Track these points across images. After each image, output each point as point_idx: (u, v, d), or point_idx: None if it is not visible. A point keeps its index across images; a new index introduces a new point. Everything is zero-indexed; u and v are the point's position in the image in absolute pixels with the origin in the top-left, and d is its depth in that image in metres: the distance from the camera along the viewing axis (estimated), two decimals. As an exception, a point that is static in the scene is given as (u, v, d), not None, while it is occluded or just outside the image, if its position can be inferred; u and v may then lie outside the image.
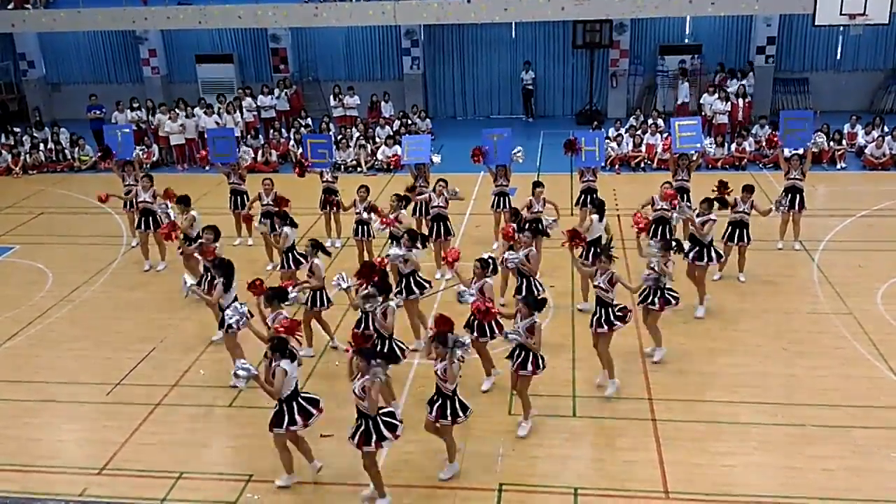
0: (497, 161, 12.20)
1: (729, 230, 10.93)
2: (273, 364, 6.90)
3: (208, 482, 7.47)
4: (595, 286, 8.46)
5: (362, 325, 8.23)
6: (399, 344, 8.25)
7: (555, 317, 10.24)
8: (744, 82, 18.58)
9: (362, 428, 6.65)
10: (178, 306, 10.98)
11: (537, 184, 11.36)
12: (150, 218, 12.08)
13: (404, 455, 7.58)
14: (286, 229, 10.20)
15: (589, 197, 12.20)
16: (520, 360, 7.69)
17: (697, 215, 10.19)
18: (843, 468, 7.29)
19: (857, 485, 7.06)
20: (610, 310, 8.29)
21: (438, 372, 6.98)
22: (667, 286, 8.83)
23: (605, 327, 8.28)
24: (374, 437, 6.64)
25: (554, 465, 7.53)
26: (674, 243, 9.24)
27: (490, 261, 8.47)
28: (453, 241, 11.78)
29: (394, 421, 6.79)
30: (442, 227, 11.29)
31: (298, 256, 10.26)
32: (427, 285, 9.47)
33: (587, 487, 7.18)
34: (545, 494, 7.13)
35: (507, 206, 11.85)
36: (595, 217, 10.29)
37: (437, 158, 12.43)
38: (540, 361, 7.68)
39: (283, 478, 7.30)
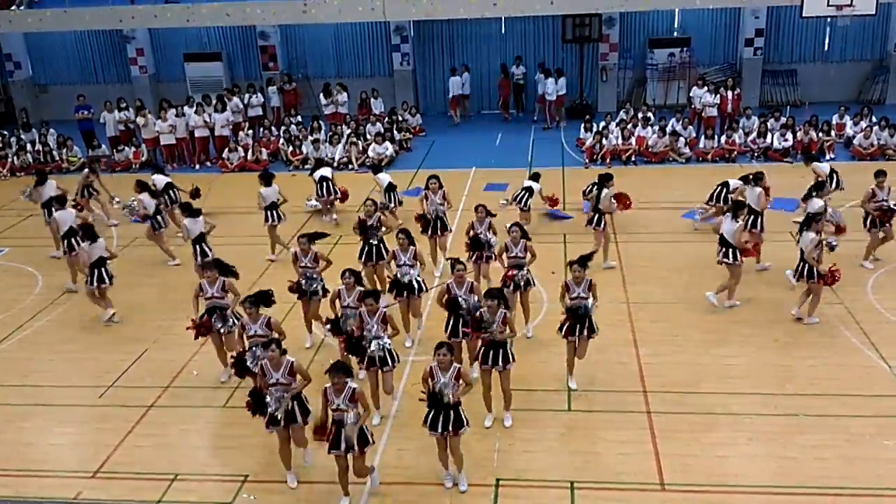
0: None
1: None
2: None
3: (204, 483, 7.45)
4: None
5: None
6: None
7: (547, 312, 10.24)
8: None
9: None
10: (169, 307, 10.92)
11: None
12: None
13: (400, 452, 7.57)
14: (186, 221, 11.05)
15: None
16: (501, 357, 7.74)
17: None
18: (837, 457, 7.34)
19: (851, 473, 7.12)
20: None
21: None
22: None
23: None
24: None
25: (550, 459, 7.55)
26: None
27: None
28: (449, 237, 11.76)
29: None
30: (439, 224, 11.23)
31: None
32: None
33: (584, 481, 7.20)
34: (542, 489, 7.15)
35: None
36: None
37: None
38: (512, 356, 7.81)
39: (291, 476, 7.37)
